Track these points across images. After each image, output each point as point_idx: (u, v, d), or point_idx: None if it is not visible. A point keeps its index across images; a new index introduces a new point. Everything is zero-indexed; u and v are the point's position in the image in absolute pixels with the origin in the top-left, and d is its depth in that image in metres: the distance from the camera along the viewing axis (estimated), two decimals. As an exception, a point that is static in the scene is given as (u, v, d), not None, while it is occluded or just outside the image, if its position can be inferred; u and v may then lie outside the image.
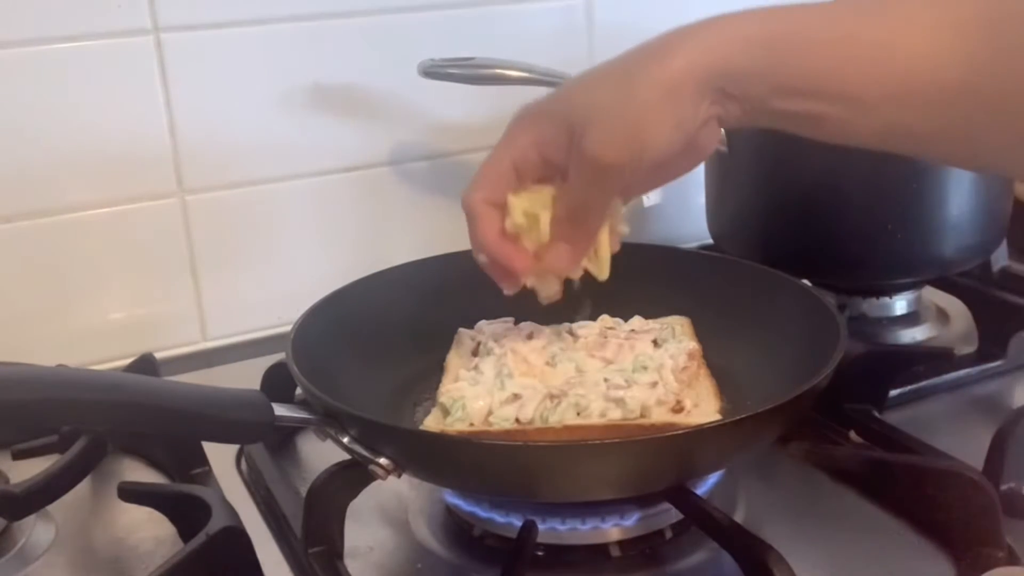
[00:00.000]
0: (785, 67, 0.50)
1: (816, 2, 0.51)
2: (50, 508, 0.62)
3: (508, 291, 0.59)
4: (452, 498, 0.61)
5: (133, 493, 0.61)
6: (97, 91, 0.78)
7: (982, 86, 0.46)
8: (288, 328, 0.63)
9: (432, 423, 0.60)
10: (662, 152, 0.51)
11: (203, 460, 0.68)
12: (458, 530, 0.61)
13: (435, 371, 0.66)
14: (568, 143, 0.53)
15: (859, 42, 0.49)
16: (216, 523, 0.54)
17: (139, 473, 0.68)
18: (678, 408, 0.58)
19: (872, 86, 0.48)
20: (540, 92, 0.81)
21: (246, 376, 0.70)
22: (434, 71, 0.80)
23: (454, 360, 0.67)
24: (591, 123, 0.52)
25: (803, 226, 0.81)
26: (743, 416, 0.53)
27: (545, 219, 0.56)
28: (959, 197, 0.77)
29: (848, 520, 0.60)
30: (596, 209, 0.56)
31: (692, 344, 0.65)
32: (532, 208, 0.56)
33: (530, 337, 0.66)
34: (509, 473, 0.53)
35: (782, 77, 0.50)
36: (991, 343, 0.78)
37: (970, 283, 0.85)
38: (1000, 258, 0.87)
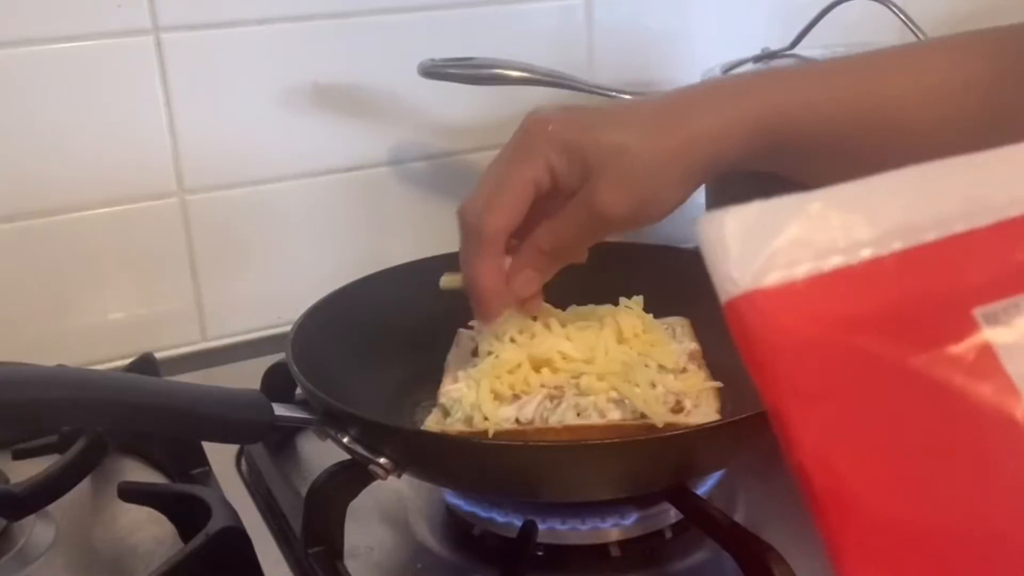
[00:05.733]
0: (799, 145, 0.51)
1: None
2: (50, 508, 0.62)
3: (481, 320, 0.59)
4: (452, 498, 0.61)
5: (133, 493, 0.61)
6: (97, 91, 0.78)
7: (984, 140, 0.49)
8: (288, 328, 0.63)
9: (432, 424, 0.60)
10: (666, 214, 0.53)
11: (203, 460, 0.68)
12: (458, 530, 0.61)
13: (435, 371, 0.66)
14: (581, 179, 0.53)
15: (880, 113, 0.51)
16: (216, 523, 0.54)
17: (139, 473, 0.68)
18: (678, 408, 0.58)
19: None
20: (540, 92, 0.82)
21: (246, 376, 0.70)
22: (434, 71, 0.80)
23: (454, 360, 0.66)
24: (607, 172, 0.52)
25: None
26: (743, 416, 0.53)
27: None
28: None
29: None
30: (580, 249, 0.56)
31: (692, 344, 0.65)
32: None
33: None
34: (509, 473, 0.53)
35: (798, 151, 0.52)
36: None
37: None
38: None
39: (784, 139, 0.51)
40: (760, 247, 0.26)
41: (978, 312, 0.26)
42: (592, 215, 0.53)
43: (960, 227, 0.27)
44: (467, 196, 0.55)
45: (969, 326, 0.26)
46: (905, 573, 0.25)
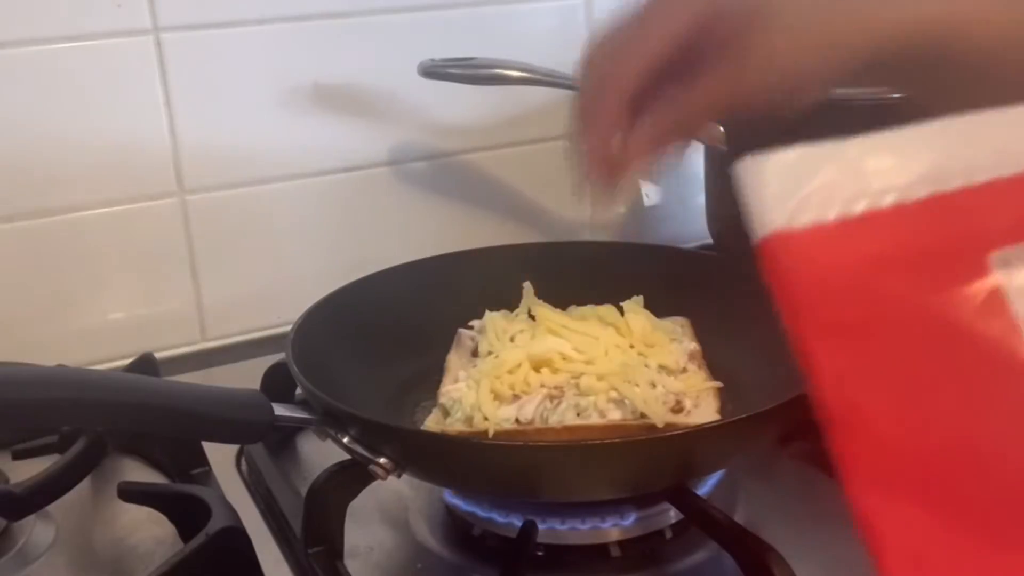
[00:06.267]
0: (957, 63, 0.48)
1: None
2: (50, 508, 0.62)
3: (595, 180, 0.51)
4: (452, 498, 0.61)
5: (133, 493, 0.61)
6: (97, 91, 0.78)
7: None
8: (288, 328, 0.63)
9: (433, 424, 0.60)
10: (801, 98, 0.47)
11: (203, 460, 0.68)
12: (458, 530, 0.61)
13: (435, 371, 0.66)
14: (722, 44, 0.47)
15: None
16: (216, 523, 0.54)
17: (139, 473, 0.68)
18: (678, 408, 0.58)
19: None
20: (540, 92, 0.82)
21: (246, 376, 0.70)
22: (434, 71, 0.80)
23: (454, 360, 0.67)
24: (760, 36, 0.46)
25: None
26: (743, 416, 0.53)
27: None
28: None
29: (848, 520, 0.60)
30: (709, 117, 0.50)
31: (692, 345, 0.65)
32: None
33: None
34: (509, 473, 0.53)
35: (953, 68, 0.48)
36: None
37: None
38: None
39: (948, 51, 0.48)
40: (795, 190, 0.28)
41: (993, 256, 0.28)
42: (728, 82, 0.47)
43: (985, 176, 0.28)
44: (596, 42, 0.50)
45: (982, 269, 0.28)
46: (910, 491, 0.27)
